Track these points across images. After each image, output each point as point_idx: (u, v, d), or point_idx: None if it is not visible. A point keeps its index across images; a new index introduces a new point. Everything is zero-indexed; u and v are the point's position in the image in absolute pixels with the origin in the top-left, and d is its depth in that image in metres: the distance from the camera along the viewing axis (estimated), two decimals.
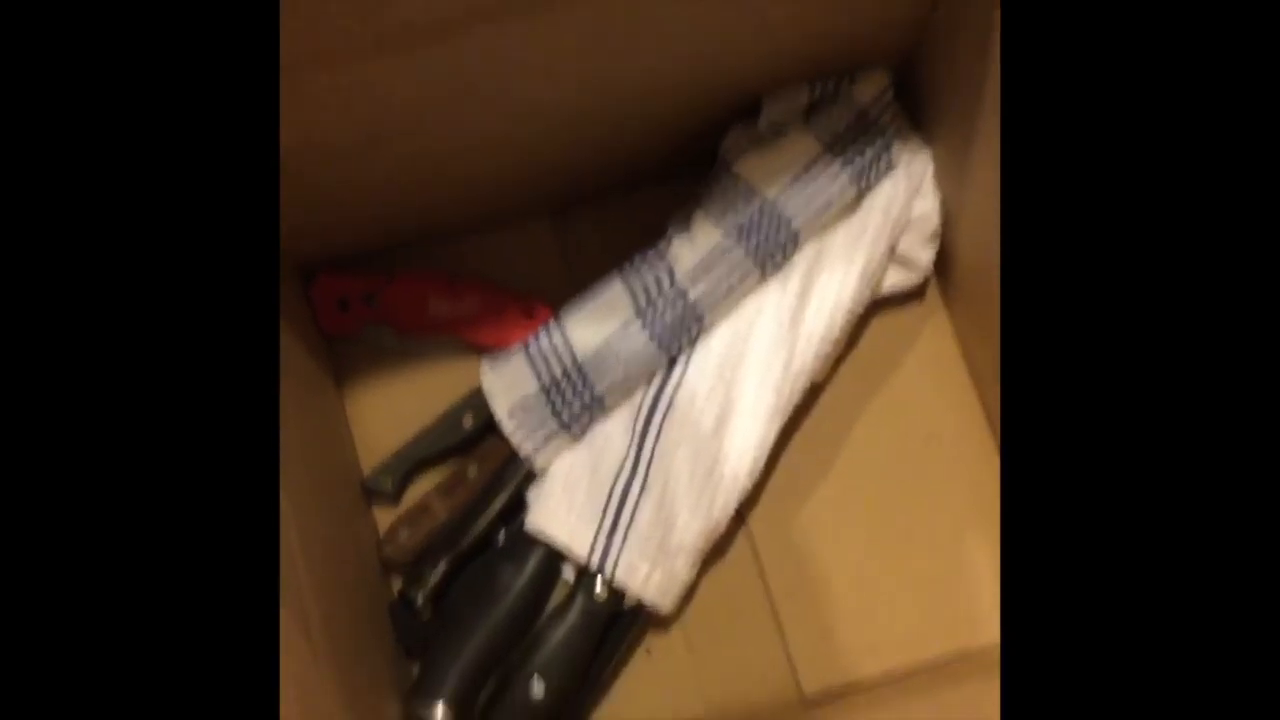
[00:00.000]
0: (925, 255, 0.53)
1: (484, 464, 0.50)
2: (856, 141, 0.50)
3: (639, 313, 0.49)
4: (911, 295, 0.55)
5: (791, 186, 0.49)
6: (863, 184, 0.50)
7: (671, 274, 0.50)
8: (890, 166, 0.51)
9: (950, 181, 0.51)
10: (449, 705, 0.45)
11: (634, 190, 0.56)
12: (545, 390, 0.50)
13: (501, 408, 0.50)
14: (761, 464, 0.49)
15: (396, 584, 0.51)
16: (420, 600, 0.48)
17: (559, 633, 0.47)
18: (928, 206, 0.52)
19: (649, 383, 0.50)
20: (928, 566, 0.52)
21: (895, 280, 0.53)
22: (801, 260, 0.50)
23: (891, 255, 0.52)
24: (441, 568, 0.48)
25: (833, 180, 0.49)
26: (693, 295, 0.49)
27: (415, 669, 0.48)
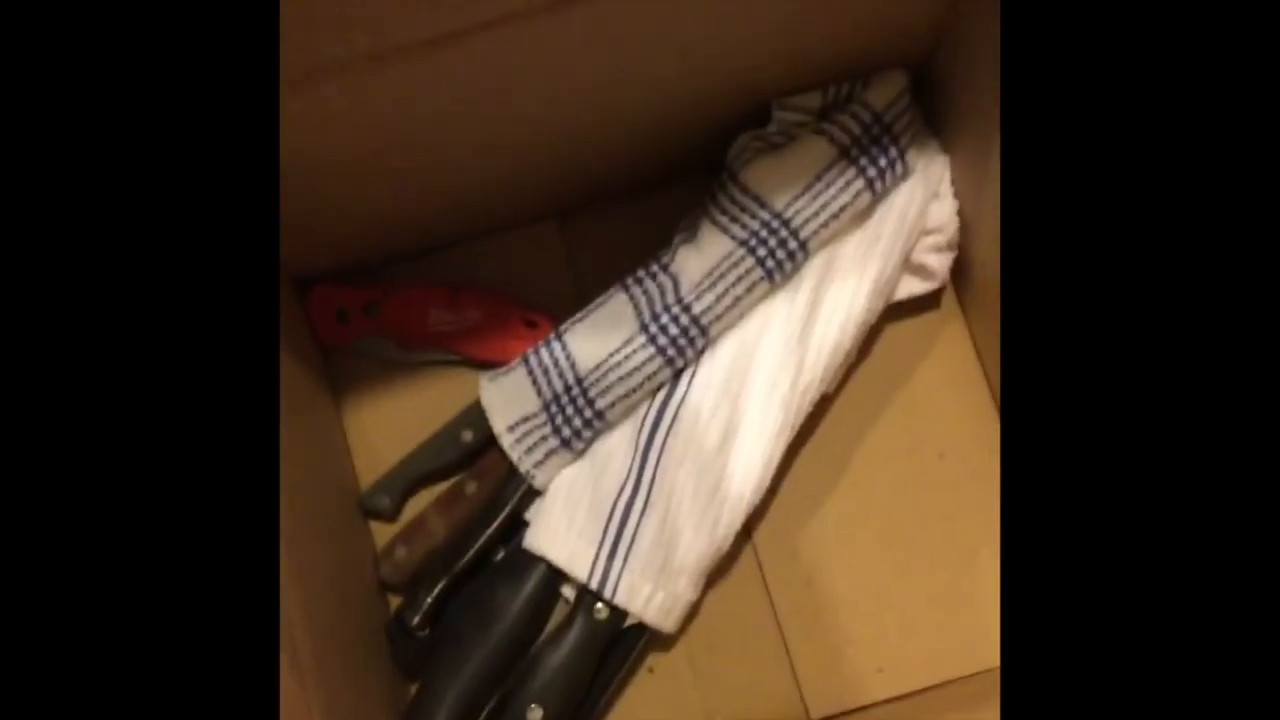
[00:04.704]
0: (942, 263, 0.51)
1: (483, 480, 0.49)
2: (871, 147, 0.48)
3: (643, 326, 0.48)
4: (927, 303, 0.53)
5: (802, 196, 0.47)
6: (877, 190, 0.48)
7: (677, 285, 0.48)
8: (906, 172, 0.49)
9: (968, 187, 0.49)
10: None
11: (642, 194, 0.54)
12: (546, 406, 0.48)
13: (501, 423, 0.49)
14: (768, 482, 0.48)
15: (396, 601, 0.50)
16: (417, 621, 0.47)
17: (558, 656, 0.46)
18: (945, 213, 0.50)
19: (653, 398, 0.48)
20: (939, 586, 0.51)
21: (910, 289, 0.52)
22: (811, 270, 0.48)
23: (907, 263, 0.50)
24: (439, 587, 0.47)
25: (846, 187, 0.47)
26: (698, 308, 0.47)
27: (413, 690, 0.48)
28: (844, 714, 0.50)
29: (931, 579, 0.51)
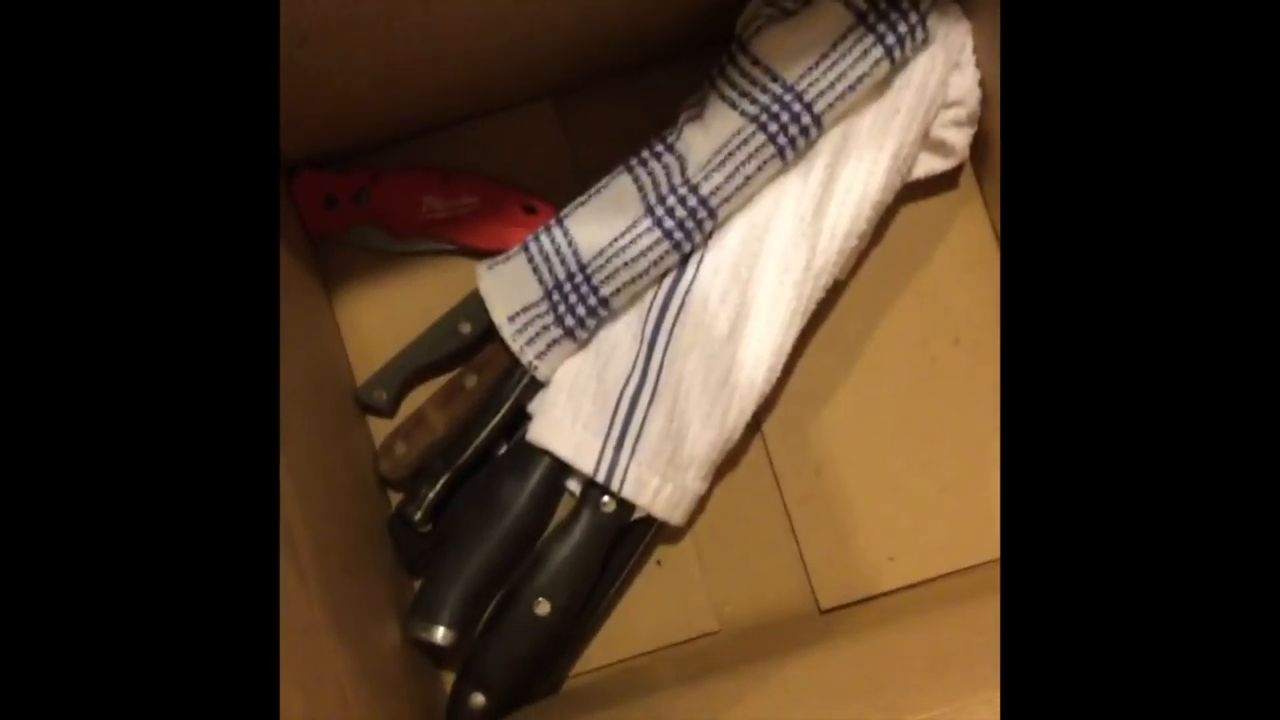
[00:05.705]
0: (962, 139, 0.48)
1: (483, 373, 0.48)
2: (890, 12, 0.45)
3: (648, 209, 0.45)
4: (944, 182, 0.51)
5: (816, 66, 0.45)
6: (896, 59, 0.45)
7: (683, 165, 0.46)
8: (927, 40, 0.46)
9: (991, 57, 0.46)
10: (450, 627, 0.44)
11: (644, 71, 0.51)
12: (548, 294, 0.46)
13: (501, 313, 0.47)
14: (779, 370, 0.47)
15: (397, 497, 0.49)
16: (418, 517, 0.46)
17: (564, 549, 0.45)
18: (966, 85, 0.47)
19: (659, 284, 0.46)
20: (951, 474, 0.50)
21: (928, 166, 0.49)
22: (826, 146, 0.46)
23: (925, 139, 0.48)
24: (441, 483, 0.46)
25: (863, 56, 0.45)
26: (706, 188, 0.45)
27: (417, 585, 0.47)
28: (854, 603, 0.49)
29: (944, 467, 0.50)
